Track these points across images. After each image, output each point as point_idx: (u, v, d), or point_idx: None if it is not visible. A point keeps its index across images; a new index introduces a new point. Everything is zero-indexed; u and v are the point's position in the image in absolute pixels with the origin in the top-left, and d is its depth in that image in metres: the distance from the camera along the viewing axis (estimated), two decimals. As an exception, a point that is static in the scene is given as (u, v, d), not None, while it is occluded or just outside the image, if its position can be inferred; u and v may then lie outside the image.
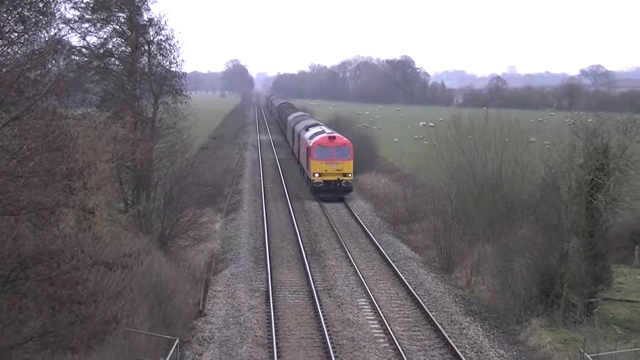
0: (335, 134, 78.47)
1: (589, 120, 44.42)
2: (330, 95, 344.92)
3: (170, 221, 49.45)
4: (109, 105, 51.08)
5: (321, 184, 74.61)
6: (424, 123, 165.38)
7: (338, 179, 74.76)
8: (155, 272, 37.07)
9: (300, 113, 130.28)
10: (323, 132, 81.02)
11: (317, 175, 74.88)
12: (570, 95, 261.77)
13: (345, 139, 78.11)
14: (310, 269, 47.53)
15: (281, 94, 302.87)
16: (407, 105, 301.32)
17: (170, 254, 47.26)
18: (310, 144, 76.64)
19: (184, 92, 54.39)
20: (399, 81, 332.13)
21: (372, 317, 38.87)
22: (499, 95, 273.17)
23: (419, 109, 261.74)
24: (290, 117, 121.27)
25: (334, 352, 33.59)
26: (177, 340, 29.18)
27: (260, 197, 75.15)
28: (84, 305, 23.97)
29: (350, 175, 75.21)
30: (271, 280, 45.14)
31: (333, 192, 74.84)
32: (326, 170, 74.81)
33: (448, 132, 69.37)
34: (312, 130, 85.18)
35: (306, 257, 50.46)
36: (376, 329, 37.13)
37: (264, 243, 54.76)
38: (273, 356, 33.03)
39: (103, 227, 31.21)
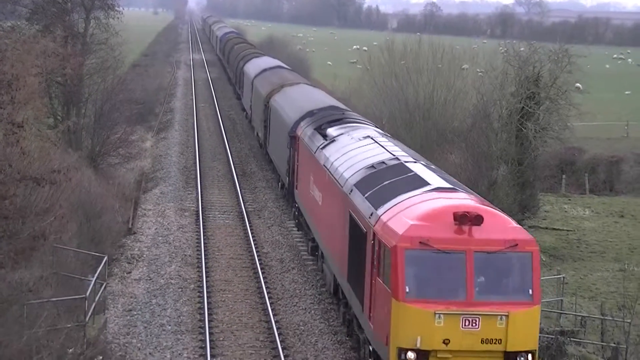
0: (473, 198, 23.17)
1: (522, 49, 44.70)
2: (265, 16, 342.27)
3: (100, 138, 48.99)
4: (39, 18, 50.17)
5: None
6: (357, 47, 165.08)
7: None
8: (84, 189, 36.77)
9: (274, 67, 66.38)
10: (413, 177, 24.65)
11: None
12: (503, 23, 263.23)
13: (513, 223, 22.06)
14: (240, 190, 47.51)
15: (215, 13, 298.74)
16: (341, 28, 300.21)
17: (100, 172, 46.90)
18: (387, 237, 21.23)
19: (116, 8, 53.56)
20: (333, 3, 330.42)
21: (301, 240, 39.04)
22: (433, 22, 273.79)
23: (353, 33, 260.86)
24: (252, 74, 65.21)
25: (262, 273, 33.73)
26: (105, 258, 29.03)
27: (192, 116, 74.61)
28: (11, 220, 23.77)
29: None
30: (201, 200, 45.05)
31: None
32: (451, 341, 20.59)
33: (381, 57, 69.37)
34: (354, 154, 29.57)
35: (237, 178, 50.38)
36: (305, 251, 37.32)
37: (195, 163, 54.53)
38: (202, 275, 33.08)
39: (31, 142, 30.75)
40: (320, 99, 46.74)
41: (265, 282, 32.62)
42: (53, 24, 48.23)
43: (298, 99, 46.53)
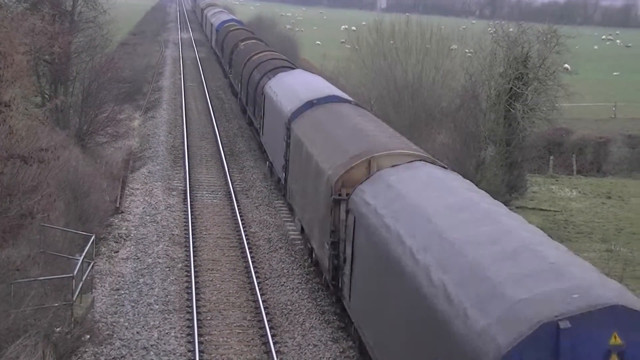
0: None
1: (510, 29, 44.72)
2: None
3: (88, 117, 48.84)
4: (27, -5, 49.85)
5: None
6: (346, 27, 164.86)
7: None
8: (72, 168, 36.69)
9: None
10: None
11: None
12: (492, 4, 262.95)
13: None
14: (228, 169, 47.48)
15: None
16: (330, 8, 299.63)
17: (87, 150, 46.79)
18: None
19: (104, -14, 53.39)
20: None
21: (289, 219, 39.07)
22: (423, 2, 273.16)
23: (342, 13, 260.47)
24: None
25: (250, 252, 33.77)
26: (93, 237, 29.00)
27: (180, 95, 74.43)
28: (-2, 198, 23.71)
29: None
30: (189, 179, 45.02)
31: None
32: None
33: (369, 37, 69.33)
34: None
35: (225, 157, 50.34)
36: (293, 231, 37.36)
37: (183, 142, 54.45)
38: (189, 255, 33.10)
39: (19, 121, 30.64)
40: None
41: (252, 262, 32.65)
42: (41, 2, 47.98)
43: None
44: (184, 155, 50.63)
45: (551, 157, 57.41)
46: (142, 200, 41.37)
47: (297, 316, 28.16)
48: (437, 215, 18.93)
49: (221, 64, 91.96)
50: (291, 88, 40.83)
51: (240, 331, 26.75)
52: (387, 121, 55.84)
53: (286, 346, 25.87)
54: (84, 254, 26.89)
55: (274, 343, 25.59)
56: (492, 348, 13.50)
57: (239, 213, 39.28)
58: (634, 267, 34.18)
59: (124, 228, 36.86)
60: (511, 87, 40.95)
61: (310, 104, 35.89)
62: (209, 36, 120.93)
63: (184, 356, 24.89)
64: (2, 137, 24.31)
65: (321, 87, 40.85)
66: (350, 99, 38.18)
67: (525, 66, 41.48)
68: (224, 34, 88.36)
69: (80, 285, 26.14)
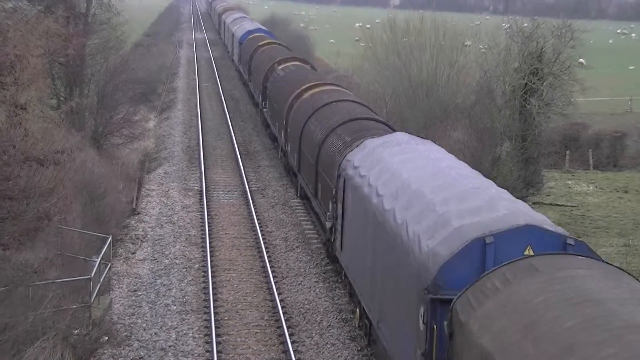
0: None
1: (525, 24, 44.59)
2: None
3: (103, 119, 48.94)
4: (41, -2, 49.96)
5: None
6: (360, 24, 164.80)
7: None
8: (88, 169, 36.77)
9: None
10: None
11: None
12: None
13: None
14: (244, 169, 47.50)
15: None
16: (343, 5, 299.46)
17: (103, 152, 46.88)
18: None
19: (117, -13, 53.46)
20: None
21: (305, 218, 39.06)
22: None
23: (355, 10, 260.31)
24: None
25: (267, 252, 33.77)
26: (110, 238, 29.05)
27: (195, 96, 74.51)
28: (15, 201, 23.76)
29: None
30: (205, 179, 45.07)
31: None
32: None
33: (384, 34, 69.25)
34: None
35: (240, 157, 50.37)
36: (309, 229, 37.35)
37: (198, 142, 54.51)
38: (206, 255, 33.12)
39: (35, 123, 30.72)
40: None
41: (269, 261, 32.67)
42: (55, 5, 48.05)
43: None
44: (200, 155, 50.68)
45: (567, 152, 57.23)
46: (158, 201, 41.43)
47: (315, 315, 28.14)
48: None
49: (246, 85, 74.23)
50: (414, 190, 21.92)
51: (258, 331, 26.75)
52: (402, 118, 55.94)
53: (304, 345, 25.86)
54: (101, 255, 26.95)
55: (292, 342, 25.58)
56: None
57: (255, 212, 39.29)
58: (652, 261, 34.01)
59: (140, 229, 36.91)
60: (526, 83, 40.82)
61: (478, 245, 17.73)
62: (229, 48, 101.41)
63: (202, 356, 24.91)
64: (18, 140, 24.36)
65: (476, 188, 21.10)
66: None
67: (540, 61, 41.35)
68: (251, 50, 69.27)
69: (98, 287, 26.20)
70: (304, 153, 38.64)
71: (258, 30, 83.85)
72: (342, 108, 37.41)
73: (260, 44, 69.10)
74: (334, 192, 30.08)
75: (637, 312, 12.98)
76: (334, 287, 30.63)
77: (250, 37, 77.58)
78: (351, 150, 29.09)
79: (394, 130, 32.65)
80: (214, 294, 29.24)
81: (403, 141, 27.58)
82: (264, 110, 56.59)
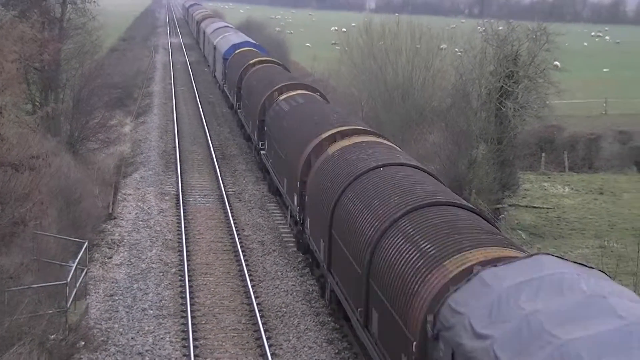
0: None
1: (500, 27, 44.72)
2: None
3: (79, 123, 48.80)
4: (15, 3, 49.77)
5: None
6: (336, 28, 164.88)
7: None
8: (64, 174, 36.65)
9: None
10: None
11: None
12: (481, 2, 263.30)
13: None
14: (220, 173, 47.46)
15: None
16: (319, 9, 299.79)
17: (79, 157, 46.73)
18: None
19: (92, -8, 53.30)
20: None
21: (281, 222, 39.05)
22: (412, 2, 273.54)
23: (331, 14, 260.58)
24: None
25: (243, 255, 33.75)
26: (86, 243, 28.98)
27: (171, 100, 74.38)
28: (-10, 207, 23.66)
29: None
30: (181, 183, 44.99)
31: None
32: None
33: (359, 38, 69.36)
34: None
35: (217, 161, 50.32)
36: (286, 233, 37.35)
37: (175, 146, 54.42)
38: (183, 259, 33.07)
39: (10, 129, 30.59)
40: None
41: (246, 265, 32.65)
42: (29, 9, 47.93)
43: None
44: (176, 159, 50.59)
45: (543, 155, 57.42)
46: (134, 205, 41.33)
47: (292, 318, 28.14)
48: None
49: (235, 112, 62.43)
50: None
51: (235, 334, 26.73)
52: (378, 122, 55.99)
53: (281, 349, 25.86)
54: (77, 260, 26.86)
55: (269, 346, 25.58)
56: None
57: (232, 216, 39.26)
58: (627, 262, 34.18)
59: (117, 234, 36.81)
60: (502, 86, 40.94)
61: None
62: (209, 61, 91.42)
63: (180, 361, 24.87)
64: (-7, 145, 24.27)
65: None
66: None
67: (515, 64, 41.48)
68: (239, 69, 59.07)
69: (74, 292, 26.12)
70: (345, 268, 25.03)
71: (246, 43, 72.79)
72: (399, 179, 24.87)
73: (250, 62, 58.81)
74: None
75: None
76: (310, 290, 30.64)
77: (237, 52, 67.97)
78: (455, 290, 16.74)
79: (491, 224, 21.52)
80: (191, 298, 29.20)
81: (561, 279, 15.18)
82: (263, 152, 45.02)
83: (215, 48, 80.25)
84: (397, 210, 21.93)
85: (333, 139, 31.52)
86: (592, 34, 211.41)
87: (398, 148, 31.57)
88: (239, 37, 79.10)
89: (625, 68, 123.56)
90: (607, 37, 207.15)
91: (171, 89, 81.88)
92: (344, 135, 31.38)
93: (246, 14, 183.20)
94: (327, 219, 26.71)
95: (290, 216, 36.28)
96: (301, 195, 32.36)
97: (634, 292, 17.00)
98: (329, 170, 28.95)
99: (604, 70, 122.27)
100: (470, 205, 22.88)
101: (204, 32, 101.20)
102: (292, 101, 41.08)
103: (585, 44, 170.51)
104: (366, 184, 25.22)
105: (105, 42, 72.17)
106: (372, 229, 22.28)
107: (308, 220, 31.14)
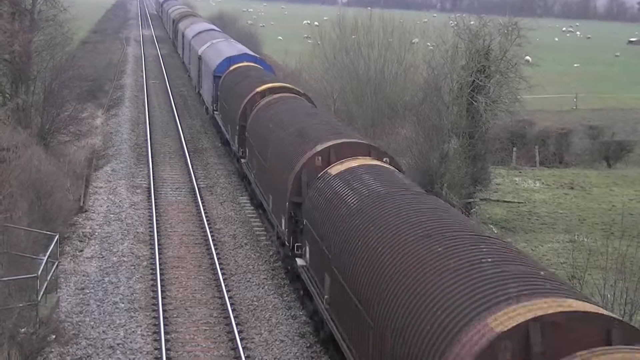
0: None
1: (472, 22, 44.83)
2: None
3: (50, 116, 48.52)
4: (-15, -6, 49.48)
5: None
6: (308, 22, 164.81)
7: None
8: (34, 167, 36.42)
9: None
10: None
11: None
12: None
13: None
14: (192, 166, 47.35)
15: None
16: (291, 3, 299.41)
17: (50, 150, 46.47)
18: None
19: (63, -16, 53.08)
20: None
21: (253, 215, 39.02)
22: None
23: (303, 7, 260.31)
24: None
25: (215, 249, 33.71)
26: (57, 236, 28.81)
27: (143, 93, 74.13)
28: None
29: None
30: (153, 176, 44.86)
31: None
32: None
33: (332, 32, 69.38)
34: None
35: (188, 155, 50.21)
36: (258, 226, 37.33)
37: (146, 139, 54.25)
38: (154, 252, 32.98)
39: (-20, 121, 30.54)
40: None
41: (218, 258, 32.60)
42: (0, 1, 47.63)
43: None
44: (148, 152, 50.44)
45: (514, 149, 57.69)
46: (106, 198, 41.17)
47: (264, 312, 28.14)
48: None
49: (233, 156, 46.55)
50: None
51: (207, 328, 26.70)
52: (349, 116, 56.05)
53: (253, 342, 25.85)
54: (48, 253, 26.72)
55: (241, 339, 25.56)
56: None
57: (204, 210, 39.19)
58: (597, 257, 34.39)
59: (88, 227, 36.66)
60: (473, 80, 41.05)
61: None
62: (191, 72, 76.10)
63: (151, 354, 24.79)
64: (-37, 138, 24.15)
65: None
66: None
67: (487, 59, 41.60)
68: (243, 99, 41.57)
69: (45, 285, 25.97)
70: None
71: (244, 56, 55.13)
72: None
73: (258, 89, 40.73)
74: None
75: None
76: (282, 284, 30.64)
77: (233, 68, 51.14)
78: None
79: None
80: (162, 292, 29.13)
81: None
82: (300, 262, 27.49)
83: (201, 59, 64.04)
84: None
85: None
86: (563, 29, 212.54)
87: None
88: (231, 47, 61.72)
89: (595, 63, 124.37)
90: (578, 33, 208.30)
91: (143, 81, 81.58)
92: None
93: (218, 7, 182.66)
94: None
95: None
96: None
97: (603, 287, 17.05)
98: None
99: (575, 65, 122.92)
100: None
101: (184, 35, 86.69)
102: (347, 177, 24.85)
103: (556, 39, 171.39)
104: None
105: (77, 35, 71.87)
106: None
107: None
